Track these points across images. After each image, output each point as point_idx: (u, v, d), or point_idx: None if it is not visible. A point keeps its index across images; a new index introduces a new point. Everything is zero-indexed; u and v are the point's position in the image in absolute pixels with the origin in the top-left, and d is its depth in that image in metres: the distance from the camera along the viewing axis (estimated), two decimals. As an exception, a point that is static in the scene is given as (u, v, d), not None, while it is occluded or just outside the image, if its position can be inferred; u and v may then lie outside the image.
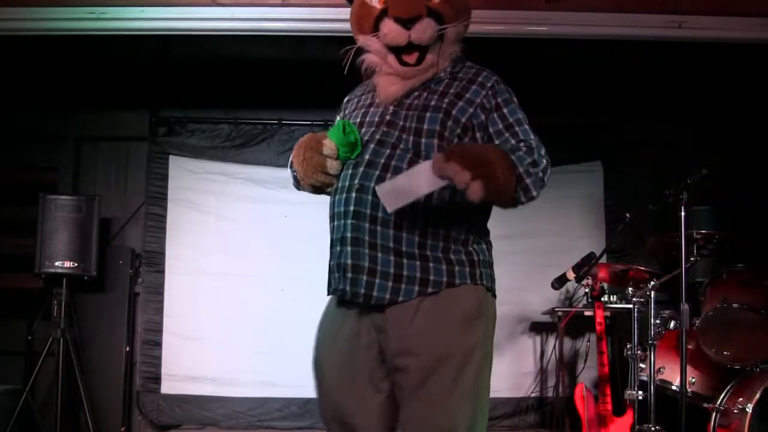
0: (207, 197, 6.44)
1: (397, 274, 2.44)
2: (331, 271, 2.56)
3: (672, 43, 4.97)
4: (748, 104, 6.25)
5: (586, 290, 5.77)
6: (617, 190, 6.50)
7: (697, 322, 4.77)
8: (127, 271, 6.24)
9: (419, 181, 2.28)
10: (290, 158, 2.66)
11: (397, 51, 2.55)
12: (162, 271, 6.33)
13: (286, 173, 2.80)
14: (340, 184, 2.53)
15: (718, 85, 6.25)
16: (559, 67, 6.07)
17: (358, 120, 2.61)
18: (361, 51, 2.66)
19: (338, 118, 2.77)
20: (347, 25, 3.76)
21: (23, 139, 6.50)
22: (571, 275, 4.60)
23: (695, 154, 6.17)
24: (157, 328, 6.27)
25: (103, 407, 5.99)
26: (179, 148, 6.45)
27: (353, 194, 2.47)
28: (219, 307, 6.26)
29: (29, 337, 6.10)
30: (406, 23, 2.49)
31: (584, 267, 4.59)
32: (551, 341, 6.27)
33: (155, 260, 6.33)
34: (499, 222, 2.73)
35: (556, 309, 5.89)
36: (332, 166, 2.51)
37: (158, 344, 6.24)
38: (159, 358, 6.24)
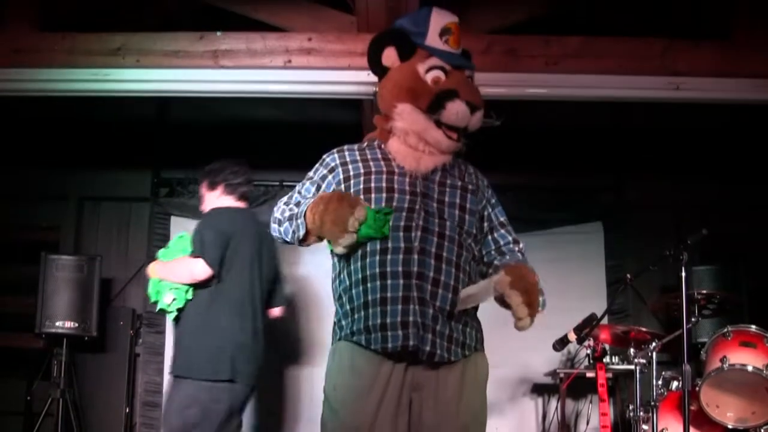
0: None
1: (450, 335, 2.67)
2: (382, 329, 2.63)
3: (670, 104, 5.01)
4: (746, 164, 6.28)
5: (588, 351, 5.73)
6: (617, 251, 6.52)
7: (700, 382, 4.73)
8: (128, 331, 6.22)
9: (483, 292, 2.62)
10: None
11: (445, 127, 2.76)
12: (162, 332, 6.30)
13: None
14: (391, 245, 2.66)
15: (718, 146, 6.30)
16: (558, 128, 6.12)
17: (384, 185, 2.76)
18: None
19: (322, 173, 2.87)
20: (348, 88, 3.77)
21: (25, 198, 6.53)
22: (572, 336, 4.57)
23: (695, 215, 6.19)
24: (157, 389, 6.22)
25: (102, 469, 5.94)
26: (181, 209, 6.47)
27: (414, 256, 2.65)
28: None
29: (28, 398, 6.06)
30: (475, 109, 2.75)
31: (585, 328, 4.57)
32: (553, 403, 6.22)
33: (156, 321, 6.31)
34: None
35: (558, 370, 5.86)
36: (353, 225, 2.55)
37: (158, 406, 6.18)
38: (158, 419, 6.17)
